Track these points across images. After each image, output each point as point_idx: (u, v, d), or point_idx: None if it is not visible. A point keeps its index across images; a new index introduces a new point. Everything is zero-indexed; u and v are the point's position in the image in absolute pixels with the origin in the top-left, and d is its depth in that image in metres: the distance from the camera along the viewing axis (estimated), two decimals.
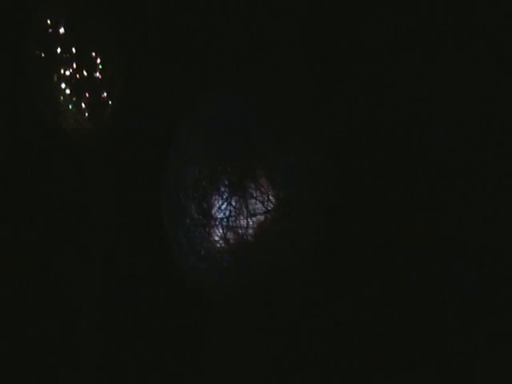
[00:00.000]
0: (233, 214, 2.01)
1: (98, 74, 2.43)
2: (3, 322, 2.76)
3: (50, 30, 2.40)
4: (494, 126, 2.48)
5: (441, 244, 2.56)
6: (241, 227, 2.02)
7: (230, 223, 2.02)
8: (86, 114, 2.44)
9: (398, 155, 2.60)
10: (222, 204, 2.02)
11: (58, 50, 2.39)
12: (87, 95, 2.42)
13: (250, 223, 2.02)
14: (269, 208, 2.02)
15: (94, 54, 2.42)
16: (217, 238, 2.04)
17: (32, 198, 2.78)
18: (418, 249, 2.59)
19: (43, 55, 2.41)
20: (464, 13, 2.47)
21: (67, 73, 2.40)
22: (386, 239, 2.59)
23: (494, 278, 2.47)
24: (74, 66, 2.40)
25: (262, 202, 2.02)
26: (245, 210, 2.01)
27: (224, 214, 2.02)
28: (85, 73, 2.41)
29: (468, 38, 2.47)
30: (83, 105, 2.43)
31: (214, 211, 2.03)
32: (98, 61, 2.43)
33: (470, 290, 2.51)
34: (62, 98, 2.42)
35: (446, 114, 2.55)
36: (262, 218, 2.02)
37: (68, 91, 2.41)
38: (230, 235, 2.03)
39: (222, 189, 2.02)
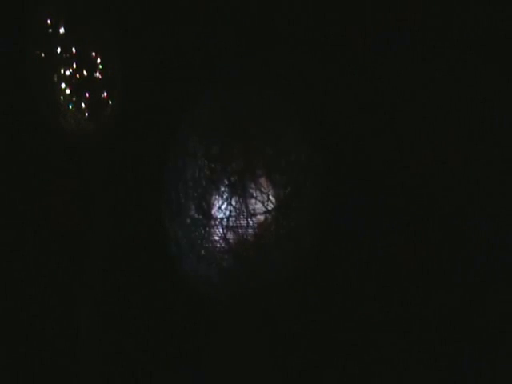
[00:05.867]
0: (233, 214, 2.01)
1: (98, 74, 2.43)
2: (3, 321, 2.76)
3: (50, 30, 2.40)
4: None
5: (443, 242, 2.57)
6: (241, 227, 2.02)
7: (230, 223, 2.02)
8: (86, 114, 2.44)
9: (398, 154, 2.60)
10: (222, 204, 2.02)
11: (58, 50, 2.39)
12: (87, 95, 2.42)
13: (250, 223, 2.02)
14: (269, 208, 2.02)
15: (93, 53, 2.42)
16: (217, 238, 2.04)
17: (32, 198, 2.78)
18: (417, 248, 2.59)
19: (43, 55, 2.41)
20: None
21: (67, 73, 2.40)
22: (385, 238, 2.58)
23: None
24: (74, 66, 2.40)
25: (262, 202, 2.02)
26: (245, 210, 2.01)
27: (224, 213, 2.02)
28: (85, 73, 2.41)
29: None
30: (83, 105, 2.42)
31: (214, 211, 2.03)
32: (98, 61, 2.43)
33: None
34: (62, 98, 2.42)
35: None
36: (261, 217, 2.02)
37: (68, 91, 2.41)
38: (229, 235, 2.03)
39: (222, 189, 2.02)
